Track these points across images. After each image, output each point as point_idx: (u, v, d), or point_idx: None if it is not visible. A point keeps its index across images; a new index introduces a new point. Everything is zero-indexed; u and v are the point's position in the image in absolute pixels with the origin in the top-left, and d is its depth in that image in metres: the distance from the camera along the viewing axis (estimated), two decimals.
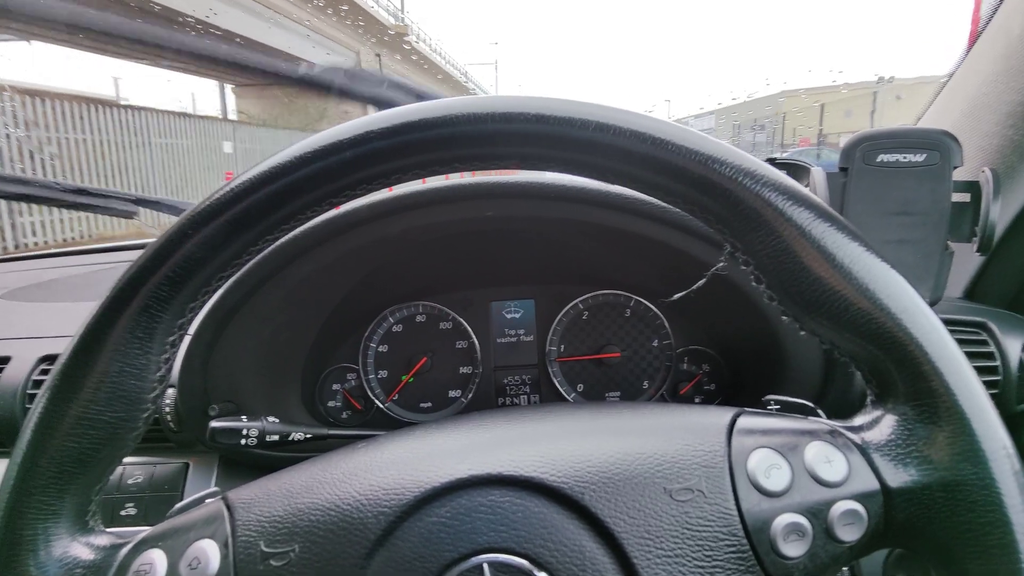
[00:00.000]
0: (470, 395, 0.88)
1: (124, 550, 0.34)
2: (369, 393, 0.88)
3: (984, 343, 0.72)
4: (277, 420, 0.66)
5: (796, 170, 0.84)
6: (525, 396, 0.89)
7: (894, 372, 0.32)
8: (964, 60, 0.86)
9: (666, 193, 0.35)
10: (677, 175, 0.33)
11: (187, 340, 0.68)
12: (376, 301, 0.87)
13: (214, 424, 0.63)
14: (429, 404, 0.89)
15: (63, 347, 0.35)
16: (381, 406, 0.88)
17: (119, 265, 1.29)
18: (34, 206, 8.13)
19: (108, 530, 0.37)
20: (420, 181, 0.45)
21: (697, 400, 0.85)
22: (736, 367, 0.83)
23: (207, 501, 0.37)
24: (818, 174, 0.69)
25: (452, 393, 0.89)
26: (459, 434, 0.39)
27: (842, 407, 0.68)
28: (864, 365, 0.34)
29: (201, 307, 0.37)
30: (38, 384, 0.77)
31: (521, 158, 0.35)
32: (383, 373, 0.89)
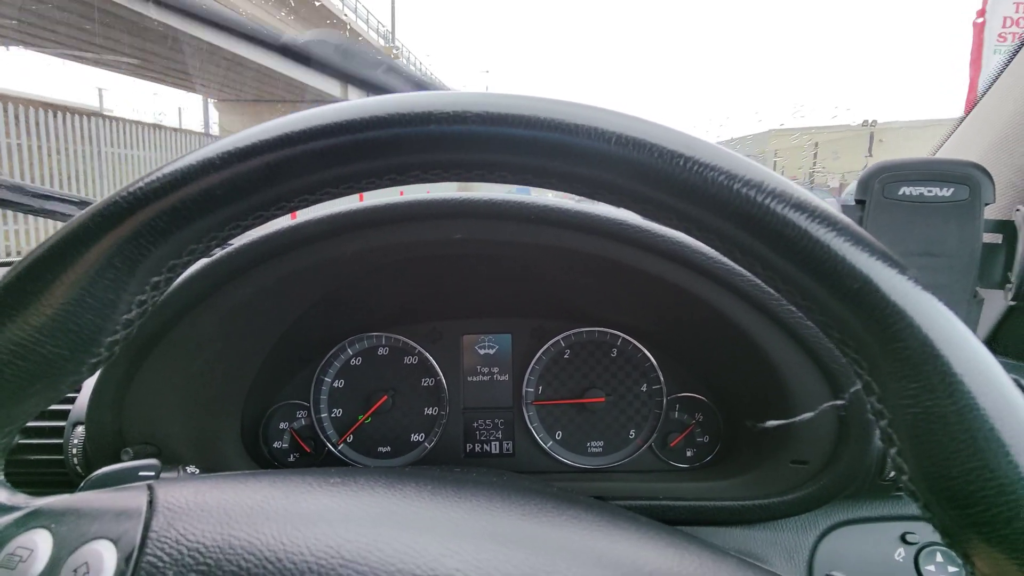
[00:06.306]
0: (435, 439, 0.78)
1: (9, 517, 0.29)
2: (320, 434, 0.77)
3: None
4: (198, 470, 0.55)
5: None
6: (496, 443, 0.79)
7: None
8: (990, 90, 0.80)
9: (773, 275, 0.24)
10: (806, 260, 0.23)
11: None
12: (332, 330, 0.77)
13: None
14: (388, 448, 0.78)
15: None
16: (333, 449, 0.77)
17: None
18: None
19: (4, 482, 0.30)
20: (359, 197, 0.36)
21: (689, 453, 0.76)
22: (734, 419, 0.74)
23: (134, 484, 0.31)
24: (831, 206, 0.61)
25: (415, 437, 0.79)
26: (466, 503, 0.32)
27: (856, 473, 0.60)
28: None
29: (204, 254, 0.29)
30: None
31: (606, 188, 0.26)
32: (337, 412, 0.79)
